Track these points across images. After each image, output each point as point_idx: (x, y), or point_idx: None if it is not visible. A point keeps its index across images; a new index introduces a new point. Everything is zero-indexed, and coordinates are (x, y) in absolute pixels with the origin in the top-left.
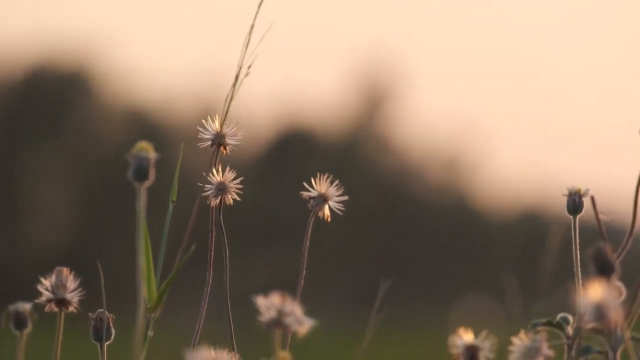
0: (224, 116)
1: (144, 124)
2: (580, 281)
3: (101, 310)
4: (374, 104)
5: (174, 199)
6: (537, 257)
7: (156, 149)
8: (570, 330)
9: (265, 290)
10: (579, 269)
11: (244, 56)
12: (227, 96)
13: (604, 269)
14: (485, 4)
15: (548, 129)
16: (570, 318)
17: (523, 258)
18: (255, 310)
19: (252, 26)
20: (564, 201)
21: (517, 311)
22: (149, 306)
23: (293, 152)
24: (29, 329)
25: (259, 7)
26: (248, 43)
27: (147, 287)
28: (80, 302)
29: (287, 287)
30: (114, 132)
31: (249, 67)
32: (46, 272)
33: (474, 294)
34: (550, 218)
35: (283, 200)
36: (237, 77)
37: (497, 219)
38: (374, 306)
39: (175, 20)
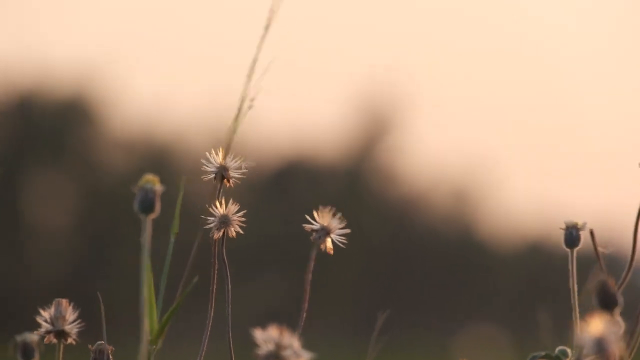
0: (227, 149)
1: (147, 152)
2: (579, 313)
3: (101, 342)
4: (378, 133)
5: (176, 231)
6: (541, 289)
7: (159, 179)
8: None
9: (266, 318)
10: (577, 301)
11: (247, 88)
12: (231, 128)
13: (607, 303)
14: (491, 33)
15: (555, 161)
16: (569, 351)
17: (527, 289)
18: (253, 340)
19: (255, 59)
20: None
21: (527, 343)
22: (150, 338)
23: (296, 181)
24: (36, 359)
25: (262, 40)
26: (251, 75)
27: (149, 319)
28: (80, 333)
29: (292, 315)
30: (116, 159)
31: (252, 100)
32: (46, 299)
33: (478, 324)
34: (555, 250)
35: (286, 230)
36: (239, 110)
37: (502, 250)
38: (375, 336)
39: (183, 50)
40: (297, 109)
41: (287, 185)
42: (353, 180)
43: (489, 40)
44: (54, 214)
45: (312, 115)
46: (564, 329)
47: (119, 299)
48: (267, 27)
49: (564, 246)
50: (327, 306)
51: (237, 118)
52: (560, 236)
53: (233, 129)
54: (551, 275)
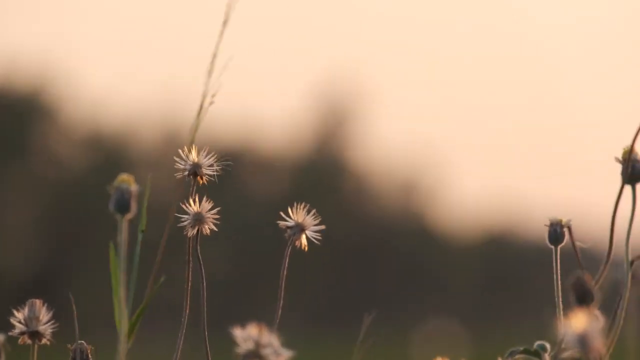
0: (189, 145)
1: (105, 148)
2: (562, 309)
3: (81, 342)
4: (332, 126)
5: (143, 228)
6: (498, 280)
7: (117, 173)
8: (547, 358)
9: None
10: (560, 298)
11: (208, 85)
12: (193, 125)
13: (584, 299)
14: (443, 27)
15: (511, 153)
16: (548, 346)
17: (483, 281)
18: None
19: (215, 55)
20: (527, 224)
21: (487, 335)
22: (120, 339)
23: (251, 172)
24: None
25: (221, 35)
26: (211, 71)
27: (117, 319)
28: (53, 333)
29: (229, 297)
30: (75, 155)
31: (213, 96)
32: (5, 297)
33: (435, 317)
34: (512, 241)
35: (238, 220)
36: (201, 106)
37: (458, 242)
38: (333, 328)
39: (138, 45)
40: (252, 102)
41: (240, 177)
42: (307, 173)
43: (441, 31)
44: (12, 209)
45: (266, 108)
46: (522, 320)
47: (81, 295)
48: (225, 23)
49: (547, 243)
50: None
51: (199, 114)
52: (518, 227)
53: (195, 126)
54: (506, 266)
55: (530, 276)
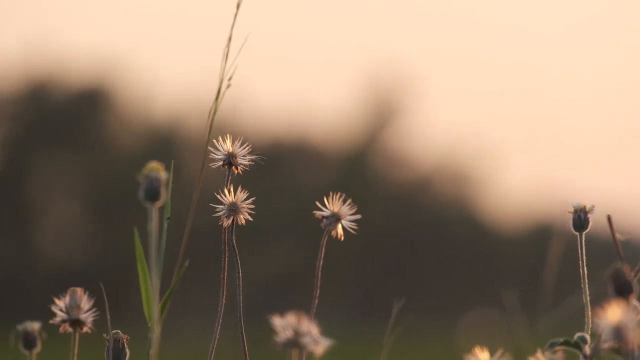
0: (208, 130)
1: (160, 139)
2: (588, 297)
3: (116, 331)
4: (383, 116)
5: (168, 216)
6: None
7: (170, 164)
8: (587, 349)
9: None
10: (587, 286)
11: (224, 69)
12: (210, 110)
13: (622, 290)
14: (495, 17)
15: (560, 142)
16: (588, 337)
17: (533, 272)
18: (262, 319)
19: (230, 38)
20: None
21: (525, 326)
22: (149, 325)
23: (302, 164)
24: (38, 348)
25: (235, 17)
26: (227, 55)
27: (145, 307)
28: (94, 322)
29: (288, 288)
30: (130, 146)
31: (229, 79)
32: (58, 287)
33: (483, 308)
34: (562, 232)
35: (289, 213)
36: (219, 91)
37: (508, 233)
38: (381, 319)
39: (193, 33)
40: (302, 92)
41: (291, 169)
42: (358, 163)
43: (493, 21)
44: (67, 200)
45: (317, 98)
46: (569, 312)
47: (133, 286)
48: (238, 5)
49: (572, 230)
50: (330, 288)
51: (217, 99)
52: (568, 218)
53: (214, 110)
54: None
55: (578, 267)
